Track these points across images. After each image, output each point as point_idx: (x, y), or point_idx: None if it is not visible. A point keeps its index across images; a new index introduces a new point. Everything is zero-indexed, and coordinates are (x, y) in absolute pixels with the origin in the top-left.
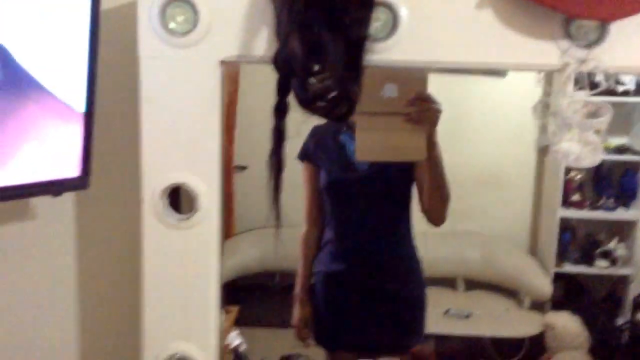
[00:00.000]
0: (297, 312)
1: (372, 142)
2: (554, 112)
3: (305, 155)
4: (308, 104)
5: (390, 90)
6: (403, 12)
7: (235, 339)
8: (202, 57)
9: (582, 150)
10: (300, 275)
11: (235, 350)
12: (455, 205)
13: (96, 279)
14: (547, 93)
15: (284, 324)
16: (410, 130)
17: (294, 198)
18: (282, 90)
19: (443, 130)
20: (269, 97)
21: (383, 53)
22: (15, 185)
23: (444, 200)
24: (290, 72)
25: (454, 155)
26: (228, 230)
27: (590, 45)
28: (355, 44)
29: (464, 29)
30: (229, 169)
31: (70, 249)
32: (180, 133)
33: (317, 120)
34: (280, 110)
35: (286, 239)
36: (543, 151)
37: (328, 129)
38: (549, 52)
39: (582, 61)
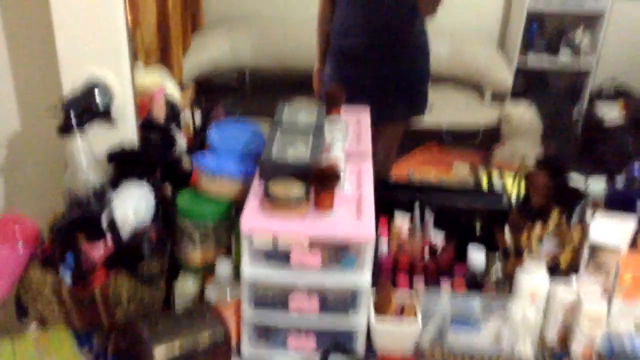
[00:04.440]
0: (316, 85)
1: None
2: None
3: None
4: None
5: None
6: None
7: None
8: None
9: None
10: (318, 50)
11: (167, 98)
12: None
13: (19, 16)
14: None
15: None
16: None
17: None
18: None
19: None
20: None
21: None
22: None
23: None
24: None
25: None
26: (196, 22)
27: None
28: None
29: None
30: None
31: None
32: None
33: None
34: None
35: (258, 32)
36: None
37: None
38: None
39: None
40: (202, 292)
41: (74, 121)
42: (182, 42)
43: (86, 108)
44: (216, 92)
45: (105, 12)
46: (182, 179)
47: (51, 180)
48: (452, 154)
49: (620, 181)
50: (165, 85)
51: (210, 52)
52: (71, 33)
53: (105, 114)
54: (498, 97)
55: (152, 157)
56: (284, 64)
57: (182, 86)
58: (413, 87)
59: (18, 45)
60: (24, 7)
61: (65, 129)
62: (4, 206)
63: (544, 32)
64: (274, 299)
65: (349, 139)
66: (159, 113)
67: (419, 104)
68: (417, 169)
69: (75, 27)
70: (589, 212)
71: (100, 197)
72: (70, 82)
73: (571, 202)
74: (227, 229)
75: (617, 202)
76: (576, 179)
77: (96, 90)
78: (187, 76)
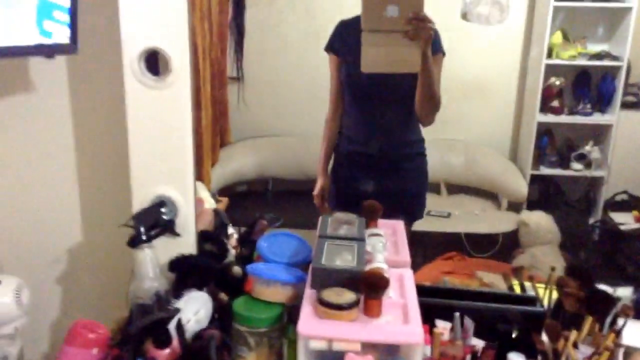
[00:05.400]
0: (318, 183)
1: (375, 56)
2: None
3: (330, 47)
4: None
5: (393, 11)
6: None
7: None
8: None
9: (491, 10)
10: (322, 151)
11: (216, 210)
12: (441, 114)
13: (91, 139)
14: None
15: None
16: (407, 46)
17: (288, 107)
18: None
19: None
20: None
21: None
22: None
23: (433, 108)
24: None
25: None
26: (224, 138)
27: None
28: None
29: None
30: (224, 78)
31: (66, 113)
32: (153, 8)
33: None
34: None
35: (280, 147)
36: (464, 18)
37: (353, 25)
38: None
39: None
40: None
41: (143, 234)
42: (211, 156)
43: (154, 222)
44: (240, 201)
45: (176, 136)
46: (234, 286)
47: (110, 287)
48: (473, 263)
49: None
50: (203, 197)
51: (236, 164)
52: (144, 156)
53: (170, 228)
54: (514, 205)
55: (208, 265)
56: (304, 173)
57: (216, 197)
58: (412, 192)
59: (88, 164)
60: (99, 129)
61: (135, 241)
62: (63, 312)
63: (554, 145)
64: None
65: (387, 248)
66: (207, 223)
67: (418, 210)
68: (441, 278)
69: (148, 151)
70: (620, 318)
71: (164, 304)
72: (140, 199)
73: (603, 308)
74: (279, 334)
75: None
76: (604, 288)
77: (164, 207)
78: (214, 187)
